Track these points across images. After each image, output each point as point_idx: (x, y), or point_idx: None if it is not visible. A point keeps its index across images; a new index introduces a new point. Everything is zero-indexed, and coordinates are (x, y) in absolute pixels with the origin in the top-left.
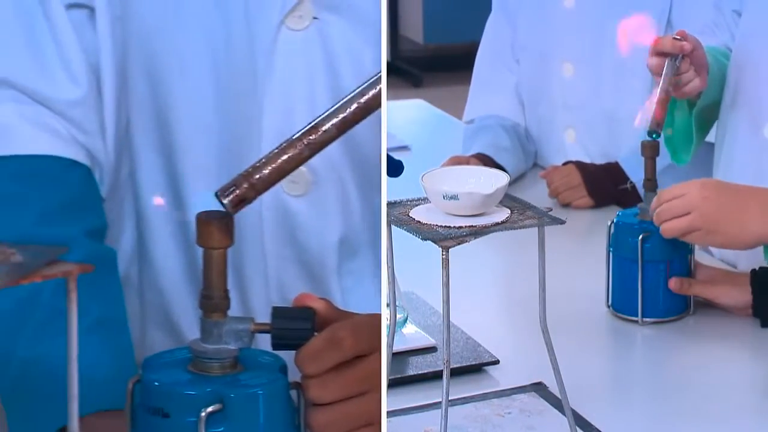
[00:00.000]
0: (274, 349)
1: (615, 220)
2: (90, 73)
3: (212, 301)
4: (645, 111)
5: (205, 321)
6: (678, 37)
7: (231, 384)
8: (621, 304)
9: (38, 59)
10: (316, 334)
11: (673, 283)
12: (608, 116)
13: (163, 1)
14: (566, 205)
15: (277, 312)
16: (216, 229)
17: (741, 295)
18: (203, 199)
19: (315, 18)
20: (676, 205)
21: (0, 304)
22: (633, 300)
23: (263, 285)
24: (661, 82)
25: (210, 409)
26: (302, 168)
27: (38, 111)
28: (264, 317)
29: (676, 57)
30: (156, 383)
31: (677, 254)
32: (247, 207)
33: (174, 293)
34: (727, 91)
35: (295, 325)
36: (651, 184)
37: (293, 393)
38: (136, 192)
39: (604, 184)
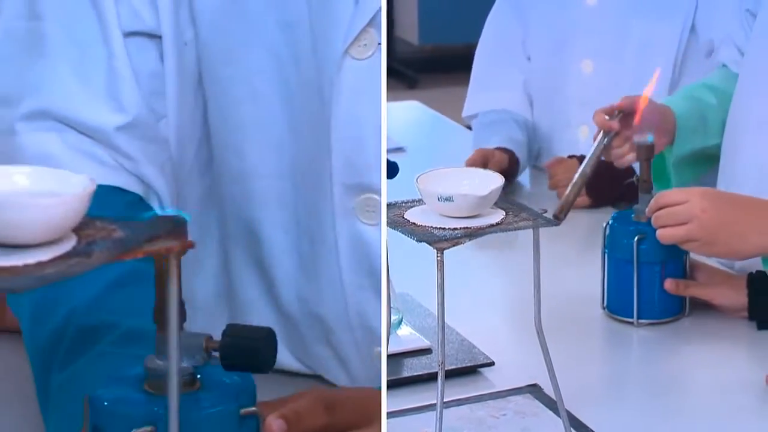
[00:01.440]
0: (225, 369)
1: (610, 222)
2: (143, 101)
3: (163, 314)
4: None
5: (157, 335)
6: (607, 117)
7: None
8: (616, 305)
9: (85, 88)
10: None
11: (669, 284)
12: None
13: (231, 28)
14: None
15: (229, 329)
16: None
17: (737, 297)
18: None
19: (379, 44)
20: (674, 213)
21: (38, 338)
22: (628, 301)
23: (343, 315)
24: (583, 162)
25: (137, 431)
26: (374, 195)
27: (81, 140)
28: (349, 349)
29: (608, 133)
30: (96, 399)
31: (672, 256)
32: (321, 240)
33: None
34: (736, 93)
35: (244, 344)
36: (646, 185)
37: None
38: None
39: (603, 184)
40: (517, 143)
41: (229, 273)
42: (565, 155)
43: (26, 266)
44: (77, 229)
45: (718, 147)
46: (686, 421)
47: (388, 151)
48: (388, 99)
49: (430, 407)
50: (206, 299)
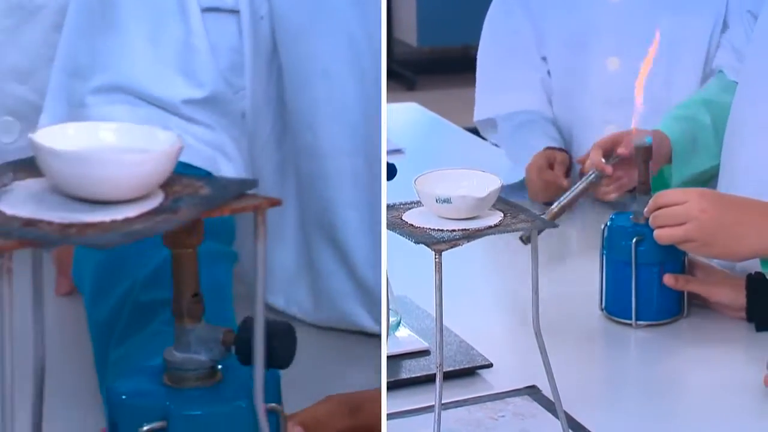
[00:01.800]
0: (242, 364)
1: (608, 223)
2: (220, 75)
3: (180, 305)
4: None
5: (176, 327)
6: (603, 159)
7: (187, 400)
8: (614, 306)
9: (158, 62)
10: None
11: (668, 279)
12: (655, 111)
13: (303, 3)
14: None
15: (246, 324)
16: (183, 229)
17: (736, 296)
18: None
19: None
20: (673, 213)
21: (97, 312)
22: (627, 303)
23: None
24: (566, 194)
25: (148, 426)
26: None
27: (152, 113)
28: None
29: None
30: (113, 392)
31: (671, 257)
32: None
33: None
34: (737, 95)
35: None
36: (645, 187)
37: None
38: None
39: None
40: (560, 141)
41: (308, 245)
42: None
43: (114, 222)
44: (164, 186)
45: (718, 167)
46: (684, 422)
47: (387, 152)
48: (387, 100)
49: (429, 409)
50: (287, 269)
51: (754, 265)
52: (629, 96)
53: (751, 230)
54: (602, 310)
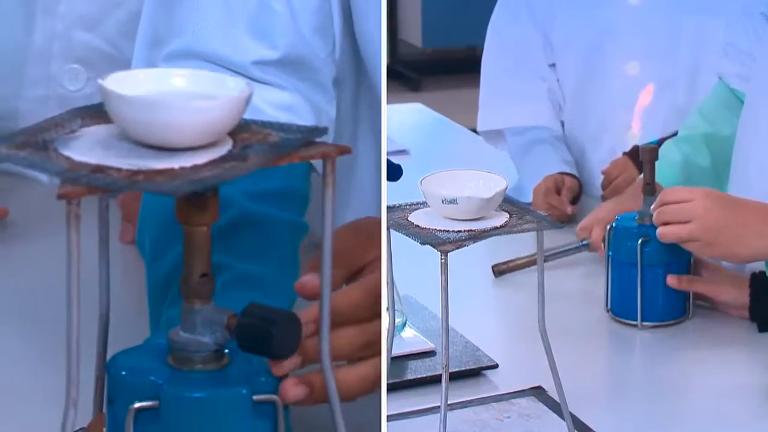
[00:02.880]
0: (241, 350)
1: (614, 224)
2: (301, 38)
3: (188, 284)
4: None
5: (184, 307)
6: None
7: (184, 382)
8: (620, 307)
9: (232, 26)
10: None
11: (671, 280)
12: (679, 115)
13: None
14: None
15: (249, 309)
16: (195, 204)
17: (740, 295)
18: None
19: None
20: (677, 211)
21: (154, 274)
22: (632, 304)
23: None
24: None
25: (140, 404)
26: None
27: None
28: None
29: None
30: (114, 366)
31: (676, 258)
32: None
33: None
34: (747, 96)
35: (259, 326)
36: (650, 188)
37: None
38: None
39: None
40: (572, 164)
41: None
42: (605, 160)
43: (182, 169)
44: (233, 133)
45: None
46: (689, 424)
47: (392, 153)
48: (391, 101)
49: (434, 410)
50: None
51: (763, 266)
52: (653, 100)
53: (753, 232)
54: (608, 311)
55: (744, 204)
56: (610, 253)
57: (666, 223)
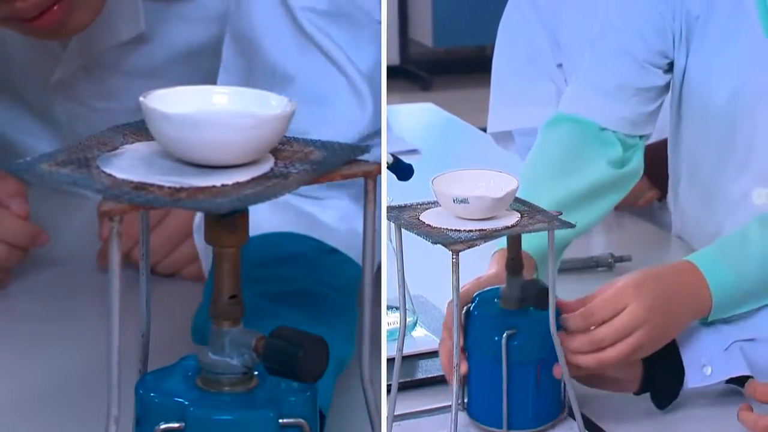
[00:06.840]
0: (268, 373)
1: (470, 309)
2: None
3: (217, 305)
4: None
5: (212, 329)
6: None
7: (210, 404)
8: (480, 411)
9: None
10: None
11: (557, 370)
12: None
13: None
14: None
15: (277, 332)
16: (225, 226)
17: (631, 368)
18: None
19: None
20: (616, 331)
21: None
22: (496, 408)
23: None
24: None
25: (165, 425)
26: None
27: None
28: None
29: None
30: (143, 385)
31: (550, 353)
32: None
33: None
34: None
35: (287, 349)
36: (515, 263)
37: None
38: None
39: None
40: None
41: None
42: None
43: (224, 186)
44: (275, 151)
45: None
46: (700, 424)
47: (403, 153)
48: (402, 101)
49: (445, 409)
50: None
51: None
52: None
53: (679, 306)
54: (465, 411)
55: (666, 276)
56: (468, 347)
57: (601, 348)
